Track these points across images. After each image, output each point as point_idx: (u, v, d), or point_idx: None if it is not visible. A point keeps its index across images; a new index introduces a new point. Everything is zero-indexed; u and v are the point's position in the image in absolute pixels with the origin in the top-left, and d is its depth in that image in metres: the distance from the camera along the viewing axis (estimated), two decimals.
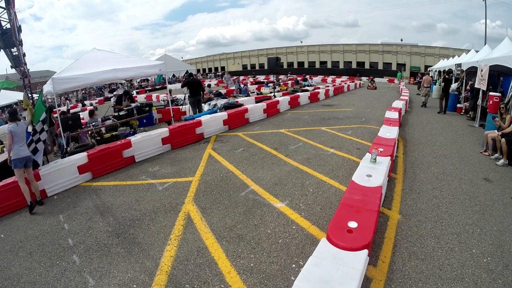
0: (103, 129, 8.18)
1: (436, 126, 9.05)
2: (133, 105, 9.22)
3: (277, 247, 3.21)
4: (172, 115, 9.08)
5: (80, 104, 22.10)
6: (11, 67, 15.42)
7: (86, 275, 2.99)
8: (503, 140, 5.49)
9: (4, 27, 13.15)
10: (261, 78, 33.67)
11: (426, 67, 30.88)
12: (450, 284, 2.59)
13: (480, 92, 8.74)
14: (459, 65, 12.66)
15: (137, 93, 23.78)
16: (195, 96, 9.93)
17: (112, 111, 10.48)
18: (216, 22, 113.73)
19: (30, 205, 4.47)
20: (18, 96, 19.64)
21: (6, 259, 3.39)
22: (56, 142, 8.02)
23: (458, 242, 3.18)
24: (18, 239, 3.80)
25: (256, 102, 12.29)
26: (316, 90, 16.55)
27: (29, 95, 15.12)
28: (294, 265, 2.91)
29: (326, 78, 33.61)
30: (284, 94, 15.56)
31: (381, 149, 4.54)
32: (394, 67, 36.44)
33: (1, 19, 12.99)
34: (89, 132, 7.84)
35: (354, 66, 40.20)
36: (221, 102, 11.70)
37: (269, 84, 21.29)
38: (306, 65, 44.40)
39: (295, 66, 44.87)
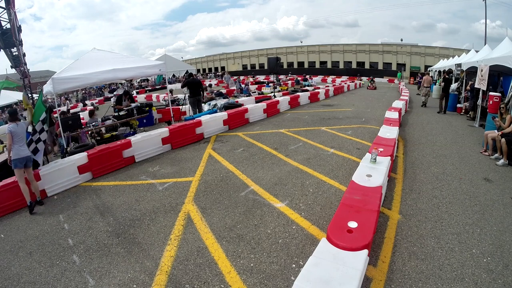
0: (103, 129, 8.18)
1: (436, 126, 9.05)
2: (133, 105, 9.22)
3: (277, 247, 3.21)
4: (172, 115, 9.08)
5: (81, 104, 22.09)
6: (11, 67, 15.42)
7: (86, 275, 2.99)
8: (503, 140, 5.49)
9: (4, 27, 13.15)
10: (261, 78, 33.68)
11: (426, 67, 30.89)
12: (450, 284, 2.59)
13: (480, 92, 8.74)
14: (459, 65, 12.66)
15: (137, 93, 23.77)
16: (195, 96, 9.93)
17: (112, 111, 10.48)
18: (216, 22, 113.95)
19: (30, 205, 4.47)
20: (18, 96, 19.64)
21: (6, 259, 3.39)
22: (56, 142, 8.02)
23: (458, 242, 3.18)
24: (18, 239, 3.80)
25: (256, 102, 12.29)
26: (316, 90, 16.56)
27: (29, 95, 15.12)
28: (294, 265, 2.91)
29: (326, 78, 33.63)
30: (284, 94, 15.57)
31: (381, 149, 4.54)
32: (394, 67, 36.45)
33: (1, 19, 12.99)
34: (89, 132, 7.84)
35: (354, 66, 40.21)
36: (221, 102, 11.69)
37: (269, 84, 21.30)
38: (306, 65, 44.41)
39: (295, 66, 44.88)
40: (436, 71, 21.05)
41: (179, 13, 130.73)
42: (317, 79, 31.44)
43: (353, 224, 2.62)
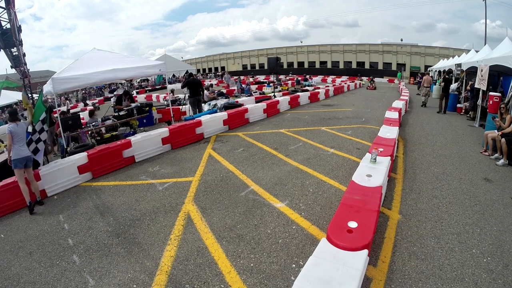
0: (103, 129, 8.18)
1: (436, 126, 9.05)
2: (133, 105, 9.22)
3: (277, 247, 3.21)
4: (172, 115, 9.08)
5: (82, 104, 22.09)
6: (11, 67, 15.41)
7: (86, 275, 2.99)
8: (503, 140, 5.49)
9: (4, 27, 13.14)
10: (261, 78, 33.70)
11: (426, 67, 30.89)
12: (450, 284, 2.59)
13: (480, 92, 8.74)
14: (459, 65, 12.67)
15: (137, 93, 23.77)
16: (195, 96, 9.93)
17: (112, 111, 10.48)
18: (216, 22, 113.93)
19: (30, 205, 4.47)
20: (18, 96, 19.65)
21: (6, 259, 3.39)
22: (56, 142, 8.02)
23: (458, 242, 3.18)
24: (18, 239, 3.80)
25: (256, 102, 12.29)
26: (316, 90, 16.56)
27: (29, 95, 15.12)
28: (294, 265, 2.91)
29: (326, 78, 33.65)
30: (284, 94, 15.57)
31: (381, 149, 4.54)
32: (394, 67, 36.44)
33: (1, 19, 12.99)
34: (89, 132, 7.84)
35: (354, 66, 40.22)
36: (221, 102, 11.69)
37: (270, 84, 21.32)
38: (306, 65, 44.41)
39: (295, 66, 44.88)
40: (436, 71, 21.05)
41: (179, 13, 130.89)
42: (317, 79, 31.45)
43: (353, 224, 2.62)
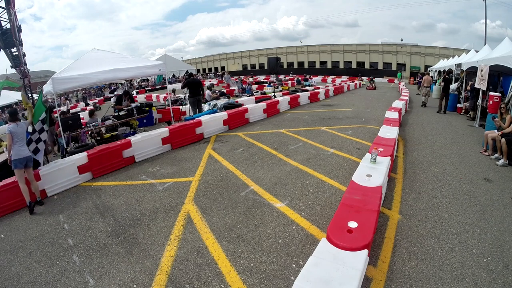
0: (103, 129, 8.18)
1: (436, 126, 9.05)
2: (133, 105, 9.22)
3: (277, 247, 3.21)
4: (172, 115, 9.08)
5: (82, 104, 22.08)
6: (11, 67, 15.44)
7: (86, 275, 2.99)
8: (503, 140, 5.49)
9: (4, 27, 13.16)
10: (261, 78, 33.69)
11: (426, 67, 30.89)
12: (450, 284, 2.59)
13: (480, 92, 8.74)
14: (459, 65, 12.67)
15: (137, 93, 23.77)
16: (195, 96, 9.94)
17: (112, 111, 10.48)
18: (216, 22, 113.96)
19: (30, 205, 4.47)
20: (18, 96, 19.64)
21: (6, 259, 3.39)
22: (56, 142, 8.02)
23: (458, 242, 3.18)
24: (18, 239, 3.80)
25: (256, 102, 12.29)
26: (316, 90, 16.56)
27: (29, 95, 15.13)
28: (294, 265, 2.91)
29: (326, 78, 33.65)
30: (284, 94, 15.58)
31: (381, 149, 4.54)
32: (394, 67, 36.45)
33: (1, 19, 13.01)
34: (89, 132, 7.84)
35: (354, 66, 40.22)
36: (221, 102, 11.69)
37: (271, 84, 21.33)
38: (306, 65, 44.42)
39: (295, 66, 44.89)
40: (436, 71, 21.06)
41: (179, 13, 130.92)
42: (317, 79, 31.46)
43: (353, 224, 2.62)
